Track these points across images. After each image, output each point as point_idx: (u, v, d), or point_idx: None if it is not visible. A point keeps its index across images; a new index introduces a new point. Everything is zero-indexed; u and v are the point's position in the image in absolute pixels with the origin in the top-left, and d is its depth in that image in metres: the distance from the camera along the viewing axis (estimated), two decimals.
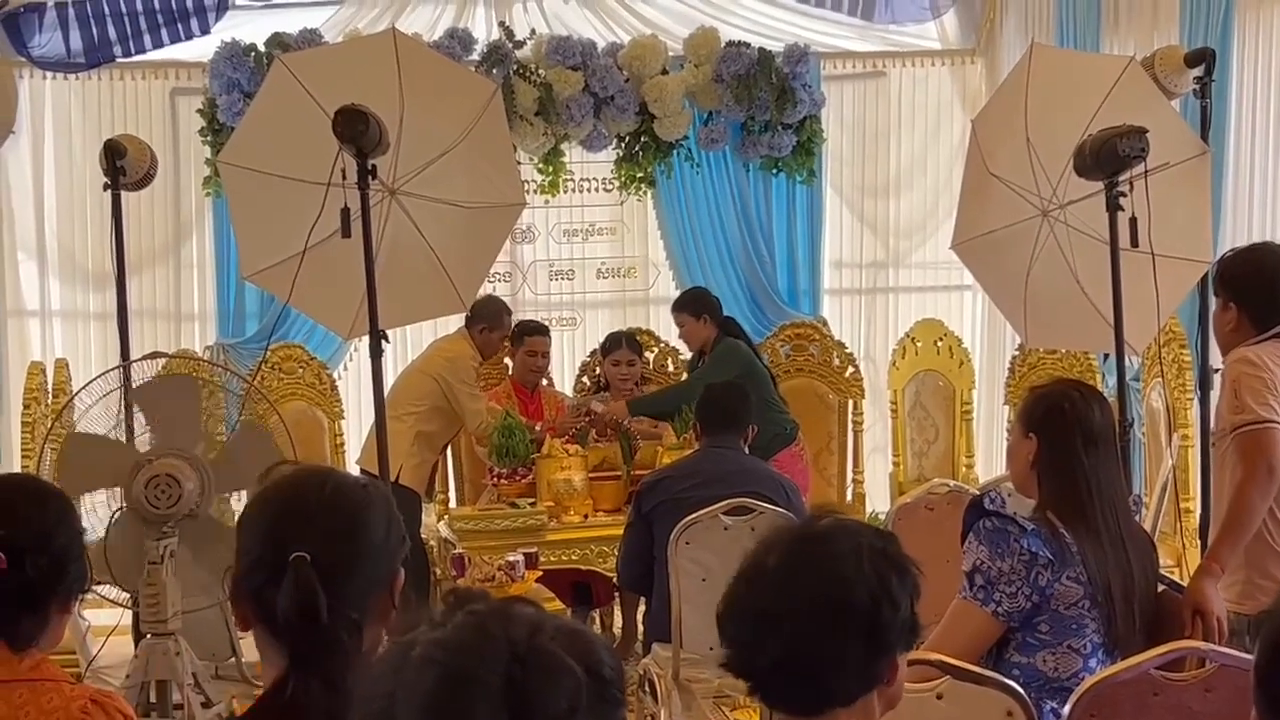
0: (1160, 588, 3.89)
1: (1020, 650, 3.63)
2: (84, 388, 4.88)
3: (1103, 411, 3.78)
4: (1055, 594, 3.58)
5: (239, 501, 4.91)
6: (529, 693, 1.35)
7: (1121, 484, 3.82)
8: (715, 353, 7.59)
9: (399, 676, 1.36)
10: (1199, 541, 5.20)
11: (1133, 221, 4.80)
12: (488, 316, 7.57)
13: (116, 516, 4.58)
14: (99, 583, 4.72)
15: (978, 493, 3.93)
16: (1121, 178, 4.79)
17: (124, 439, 4.86)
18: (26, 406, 7.10)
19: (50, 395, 7.25)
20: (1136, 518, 3.96)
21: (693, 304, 7.81)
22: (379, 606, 2.21)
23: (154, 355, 5.20)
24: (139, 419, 4.82)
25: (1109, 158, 4.76)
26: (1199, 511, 5.34)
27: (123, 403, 4.87)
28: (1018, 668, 3.58)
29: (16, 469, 7.16)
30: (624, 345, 7.89)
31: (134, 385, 4.91)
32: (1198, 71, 5.46)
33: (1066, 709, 3.07)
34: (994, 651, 3.66)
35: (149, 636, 4.58)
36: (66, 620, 2.77)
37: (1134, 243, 4.81)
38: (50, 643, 2.73)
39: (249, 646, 4.73)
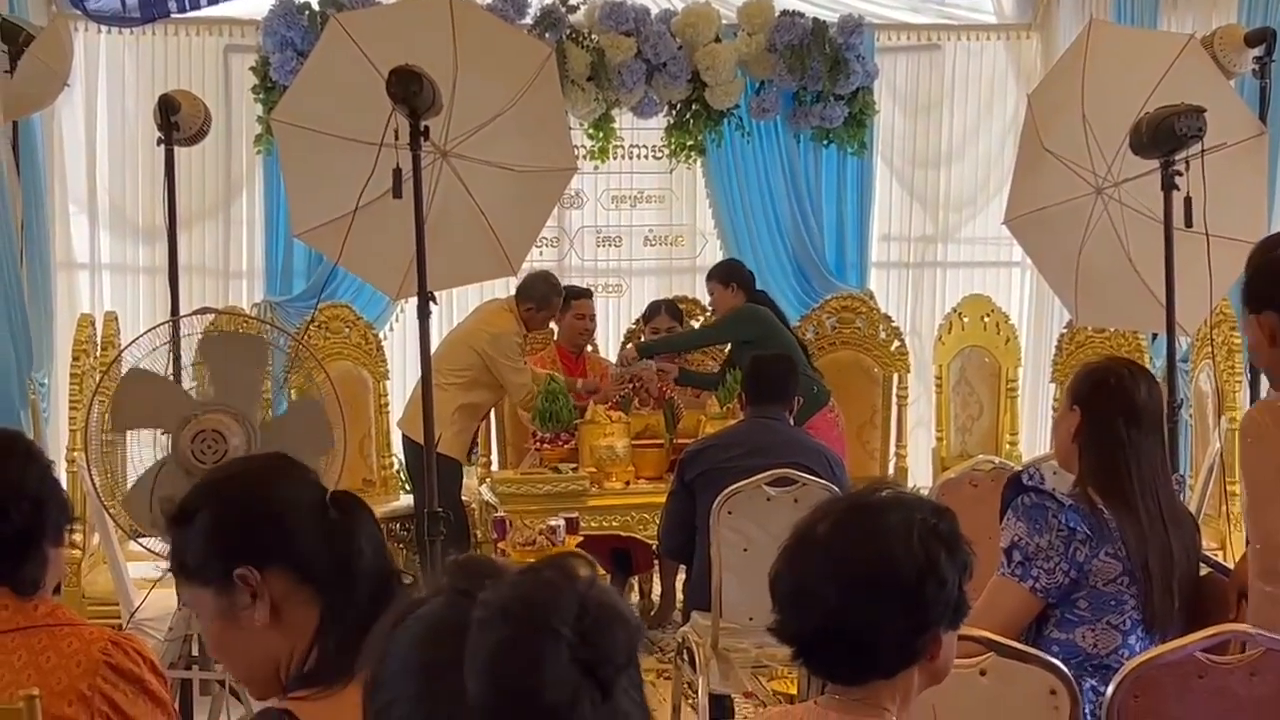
0: (1205, 570, 3.86)
1: (1059, 627, 3.62)
2: (133, 341, 4.90)
3: (1150, 390, 3.75)
4: (1093, 570, 3.56)
5: None
6: (599, 643, 1.35)
7: (1165, 463, 3.79)
8: (735, 312, 7.58)
9: (461, 641, 1.35)
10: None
11: (1187, 201, 4.76)
12: (536, 298, 7.52)
13: (162, 469, 4.60)
14: (141, 534, 4.75)
15: (1018, 469, 3.92)
16: (1177, 157, 4.76)
17: None
18: (75, 359, 7.14)
19: (99, 348, 7.29)
20: (1180, 498, 3.93)
21: (724, 273, 7.82)
22: None
23: (203, 310, 5.21)
24: (194, 369, 4.83)
25: (1165, 136, 4.73)
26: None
27: (171, 356, 4.89)
28: (1057, 644, 3.57)
29: (64, 420, 7.22)
30: (663, 313, 7.94)
31: (203, 337, 4.91)
32: (1258, 51, 5.42)
33: (1109, 690, 3.06)
34: (1034, 627, 3.65)
35: None
36: (62, 554, 2.81)
37: (1188, 223, 4.78)
38: (54, 579, 2.77)
39: None
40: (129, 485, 4.69)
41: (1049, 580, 3.57)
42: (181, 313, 5.16)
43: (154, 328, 4.99)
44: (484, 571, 1.42)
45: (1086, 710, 3.18)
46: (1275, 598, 3.51)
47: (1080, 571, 3.57)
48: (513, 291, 7.61)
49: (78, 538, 6.44)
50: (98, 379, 6.02)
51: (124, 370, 4.76)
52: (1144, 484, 3.65)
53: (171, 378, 4.82)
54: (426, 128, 4.67)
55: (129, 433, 4.84)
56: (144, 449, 4.80)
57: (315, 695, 2.09)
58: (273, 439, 4.59)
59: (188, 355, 4.87)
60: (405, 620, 1.41)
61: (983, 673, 2.97)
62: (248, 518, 2.18)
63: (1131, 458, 3.65)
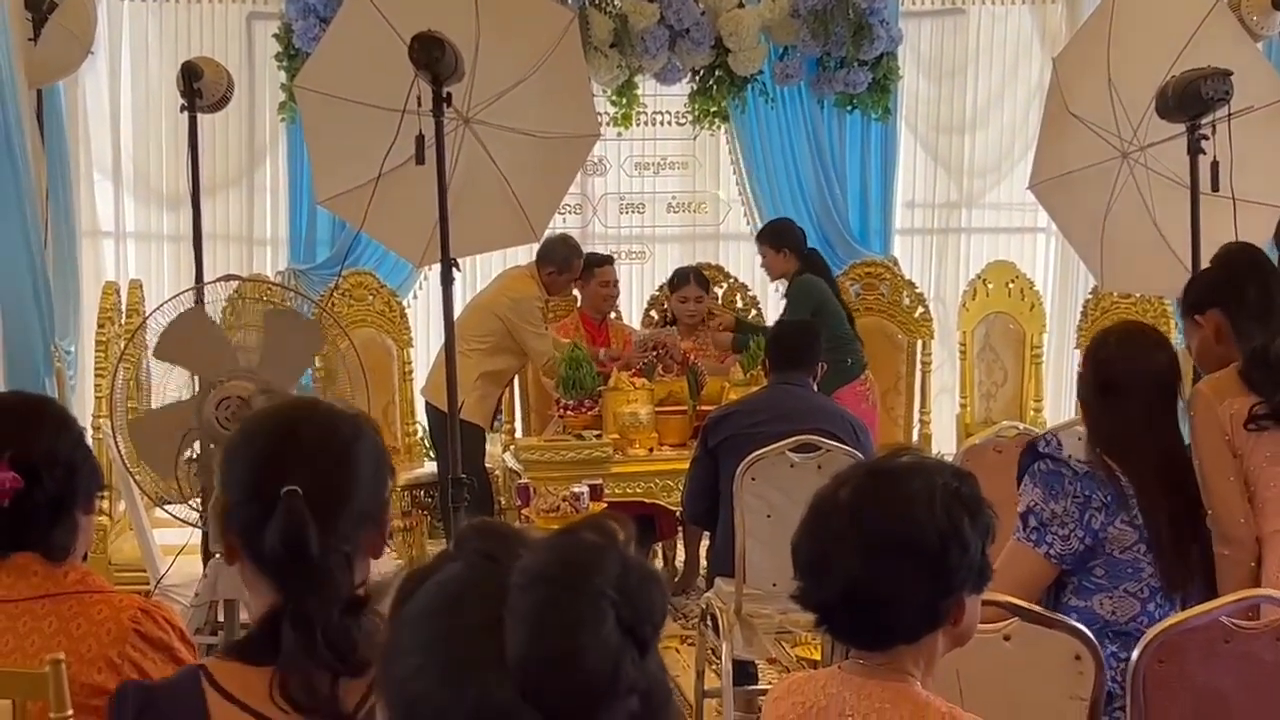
0: None
1: (1077, 594, 3.61)
2: (158, 308, 4.91)
3: (1164, 354, 3.71)
4: (1109, 537, 3.55)
5: None
6: (639, 604, 1.34)
7: (1179, 431, 3.76)
8: (790, 293, 7.59)
9: (491, 604, 1.32)
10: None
11: (1214, 165, 4.74)
12: (557, 261, 7.54)
13: (186, 435, 4.61)
14: (168, 502, 4.77)
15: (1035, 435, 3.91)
16: (1204, 121, 4.73)
17: None
18: (100, 326, 7.17)
19: (124, 315, 7.31)
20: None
21: (774, 236, 7.81)
22: (369, 541, 2.19)
23: (228, 278, 5.22)
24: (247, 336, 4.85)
25: (1192, 100, 4.70)
26: None
27: None
28: (1075, 611, 3.55)
29: (90, 387, 7.25)
30: (691, 281, 7.89)
31: (270, 309, 4.91)
32: None
33: (1134, 654, 3.05)
34: (1052, 595, 3.64)
35: (217, 556, 4.62)
36: (93, 521, 2.83)
37: (1214, 187, 4.76)
38: (84, 546, 2.78)
39: None
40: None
41: (1064, 547, 3.56)
42: (205, 280, 5.17)
43: (178, 295, 5.01)
44: (505, 535, 1.40)
45: (1108, 676, 3.17)
46: (1234, 559, 3.60)
47: (1096, 539, 3.56)
48: (535, 258, 7.61)
49: (105, 504, 6.47)
50: (123, 346, 6.04)
51: (149, 338, 4.76)
52: (1158, 449, 3.64)
53: None
54: (449, 94, 4.67)
55: (153, 388, 4.85)
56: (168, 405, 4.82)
57: (237, 660, 2.09)
58: None
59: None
60: (419, 589, 1.38)
61: (1007, 638, 2.96)
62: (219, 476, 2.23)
63: (1142, 422, 3.64)
